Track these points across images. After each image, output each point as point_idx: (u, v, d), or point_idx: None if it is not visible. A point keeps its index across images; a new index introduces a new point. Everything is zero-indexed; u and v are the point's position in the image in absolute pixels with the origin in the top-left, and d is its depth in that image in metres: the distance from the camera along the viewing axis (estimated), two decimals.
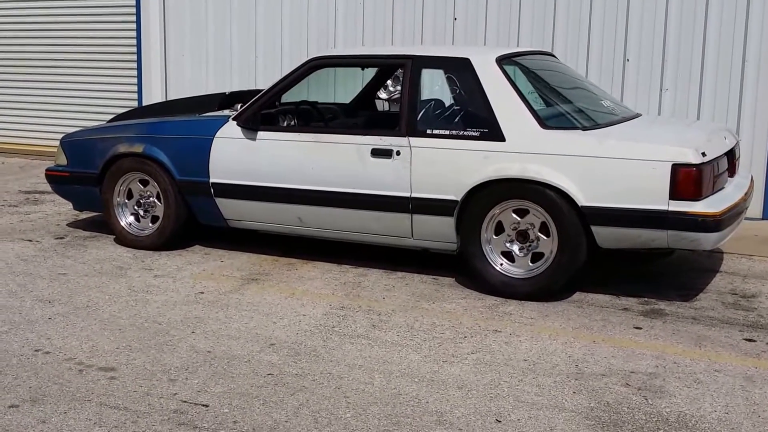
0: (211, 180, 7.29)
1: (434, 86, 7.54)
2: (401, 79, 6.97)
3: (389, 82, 9.06)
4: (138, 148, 7.57)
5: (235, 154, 7.20)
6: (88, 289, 6.55)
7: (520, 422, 4.38)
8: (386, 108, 9.15)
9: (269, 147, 7.10)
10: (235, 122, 7.23)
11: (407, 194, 6.59)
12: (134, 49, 12.15)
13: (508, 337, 5.58)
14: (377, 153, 6.68)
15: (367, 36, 10.58)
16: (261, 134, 7.14)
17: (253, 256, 7.49)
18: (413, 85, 6.73)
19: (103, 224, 8.12)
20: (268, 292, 6.52)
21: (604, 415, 4.47)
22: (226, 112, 7.85)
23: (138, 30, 12.02)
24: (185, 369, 5.03)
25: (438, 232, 6.61)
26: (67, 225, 8.63)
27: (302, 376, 4.93)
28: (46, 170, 8.35)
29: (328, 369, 5.04)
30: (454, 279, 6.81)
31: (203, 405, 4.56)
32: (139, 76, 12.14)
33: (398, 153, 6.60)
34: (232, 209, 7.35)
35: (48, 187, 8.92)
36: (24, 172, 11.83)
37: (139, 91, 12.17)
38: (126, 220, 7.79)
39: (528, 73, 7.07)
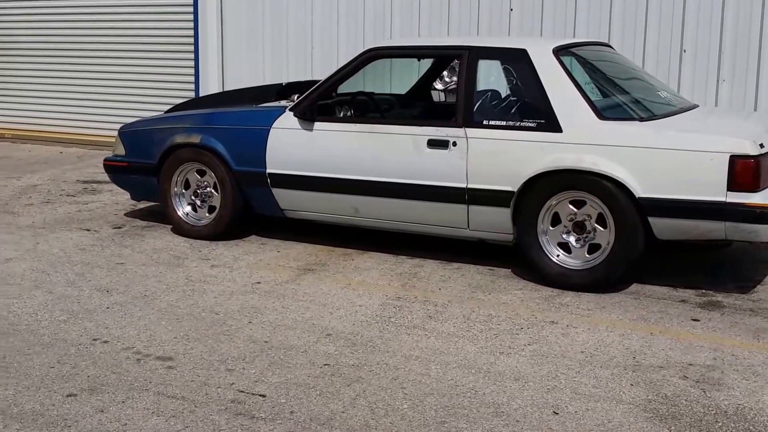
0: (268, 170, 7.31)
1: (490, 77, 7.51)
2: (457, 69, 6.95)
3: (445, 72, 9.05)
4: (195, 139, 7.63)
5: (292, 145, 7.22)
6: (145, 279, 6.61)
7: (578, 414, 4.37)
8: (442, 99, 9.14)
9: (326, 137, 7.12)
10: (291, 113, 7.26)
11: (463, 185, 6.58)
12: (191, 40, 12.23)
13: (565, 329, 5.56)
14: (433, 144, 6.68)
15: (423, 27, 10.58)
16: (317, 125, 7.16)
17: (309, 246, 7.51)
18: (470, 75, 6.71)
19: (161, 214, 8.19)
20: (325, 282, 6.55)
21: (662, 407, 4.45)
22: (283, 102, 7.86)
23: (195, 21, 12.09)
24: (242, 359, 5.07)
25: (494, 223, 6.59)
26: (125, 215, 8.72)
27: (359, 367, 4.95)
28: (104, 160, 8.43)
29: (384, 360, 5.05)
30: (510, 270, 6.79)
31: (260, 395, 4.59)
32: (196, 67, 12.21)
33: (455, 144, 6.59)
34: (288, 199, 7.38)
35: (106, 177, 8.98)
36: (82, 161, 11.96)
37: (196, 82, 12.24)
38: (183, 210, 7.84)
39: (585, 63, 7.03)
